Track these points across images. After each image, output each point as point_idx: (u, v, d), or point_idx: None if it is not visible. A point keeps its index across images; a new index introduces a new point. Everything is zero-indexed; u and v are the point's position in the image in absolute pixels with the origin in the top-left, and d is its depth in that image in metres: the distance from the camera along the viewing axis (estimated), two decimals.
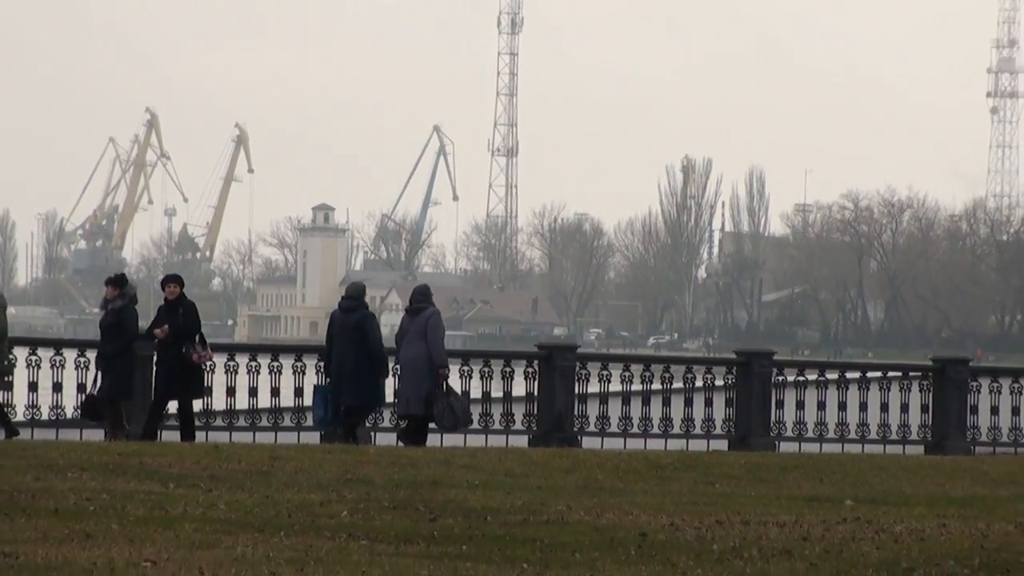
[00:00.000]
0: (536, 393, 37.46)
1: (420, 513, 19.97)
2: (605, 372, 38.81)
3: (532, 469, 27.55)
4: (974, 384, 40.48)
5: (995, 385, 41.16)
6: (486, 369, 38.65)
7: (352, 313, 34.61)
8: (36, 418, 34.26)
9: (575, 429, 36.93)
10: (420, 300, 35.13)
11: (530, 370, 37.84)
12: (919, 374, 41.04)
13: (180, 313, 32.69)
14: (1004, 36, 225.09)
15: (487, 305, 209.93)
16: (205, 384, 33.76)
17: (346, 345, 34.35)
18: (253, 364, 36.86)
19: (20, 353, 34.44)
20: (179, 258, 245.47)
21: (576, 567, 15.85)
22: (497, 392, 38.14)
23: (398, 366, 34.65)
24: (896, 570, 16.32)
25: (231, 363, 36.90)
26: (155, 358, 32.99)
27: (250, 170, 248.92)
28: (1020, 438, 40.07)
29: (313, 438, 35.10)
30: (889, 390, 40.38)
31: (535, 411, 37.26)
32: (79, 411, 33.33)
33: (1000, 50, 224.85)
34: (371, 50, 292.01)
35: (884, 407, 39.97)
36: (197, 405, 33.70)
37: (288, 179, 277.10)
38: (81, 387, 33.72)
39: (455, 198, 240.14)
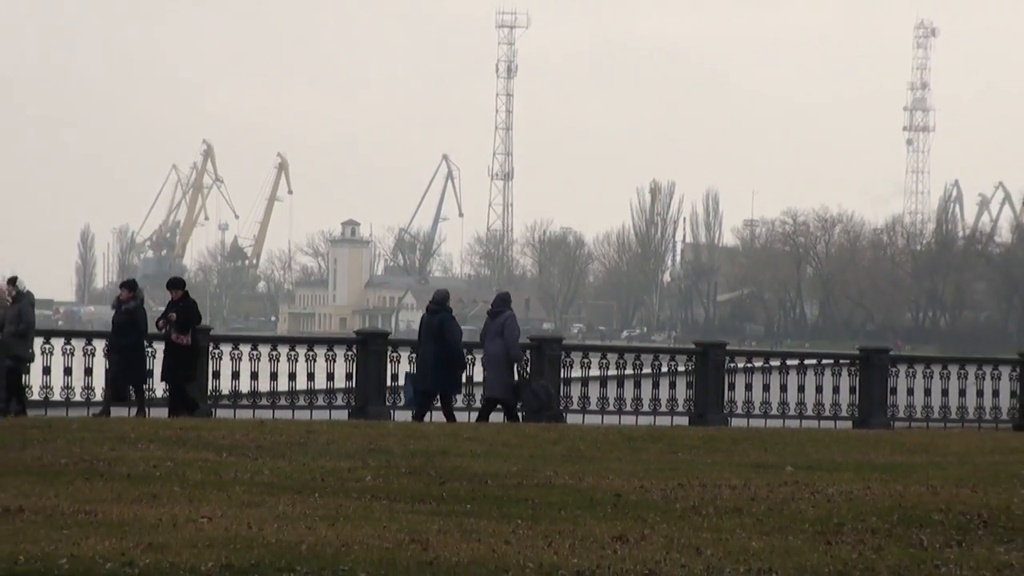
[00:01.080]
0: (528, 373, 37.40)
1: (431, 478, 19.93)
2: (586, 360, 38.86)
3: (525, 441, 27.47)
4: (893, 369, 40.46)
5: (911, 370, 41.14)
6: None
7: (435, 315, 34.70)
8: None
9: (560, 407, 36.86)
10: (500, 305, 35.63)
11: (524, 358, 37.80)
12: (847, 361, 41.02)
13: (181, 308, 32.79)
14: (917, 80, 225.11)
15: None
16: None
17: (429, 341, 34.49)
18: (292, 353, 36.81)
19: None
20: (230, 265, 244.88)
21: (562, 522, 15.82)
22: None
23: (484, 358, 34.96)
24: (828, 525, 16.28)
25: (274, 352, 36.93)
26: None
27: (289, 191, 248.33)
28: (931, 415, 40.02)
29: (341, 415, 35.10)
30: (823, 374, 40.33)
31: (528, 391, 37.16)
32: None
33: (914, 91, 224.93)
34: (390, 91, 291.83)
35: (819, 389, 39.93)
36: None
37: (321, 199, 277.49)
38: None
39: (460, 215, 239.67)
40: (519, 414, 34.74)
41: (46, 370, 33.98)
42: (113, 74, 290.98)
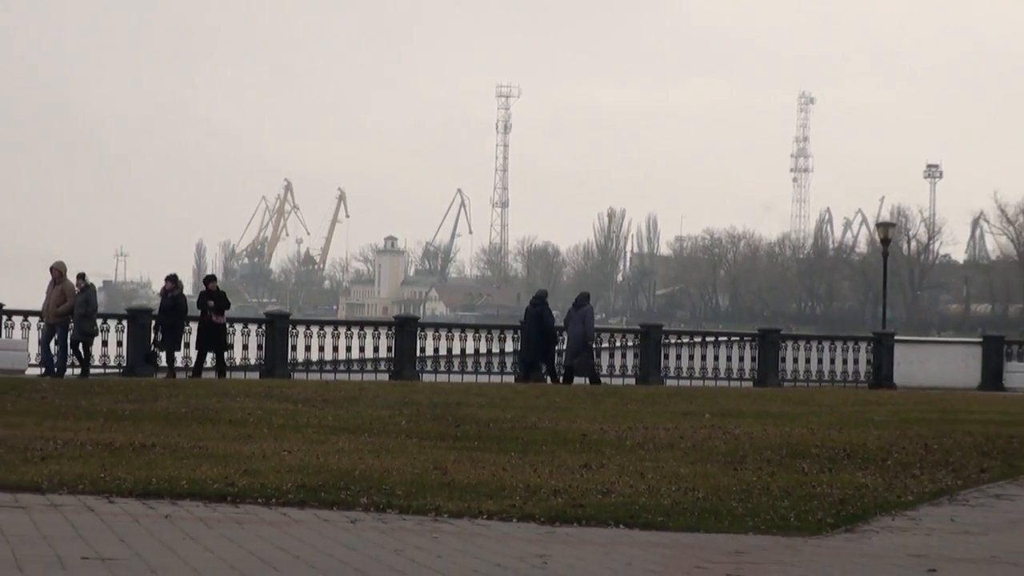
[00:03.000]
0: (519, 349, 37.39)
1: (449, 422, 19.96)
2: (561, 336, 38.78)
3: (516, 395, 27.49)
4: (783, 344, 40.58)
5: (795, 345, 41.26)
6: (490, 334, 38.72)
7: (537, 307, 35.18)
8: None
9: (542, 372, 36.84)
10: (582, 301, 36.00)
11: (516, 335, 37.83)
12: (750, 338, 41.11)
13: (216, 296, 32.55)
14: (800, 134, 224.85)
15: (490, 297, 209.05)
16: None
17: (532, 325, 34.85)
18: (348, 332, 36.82)
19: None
20: (304, 269, 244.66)
21: (543, 454, 15.84)
22: (496, 348, 38.21)
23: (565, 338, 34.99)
24: (735, 456, 16.30)
25: (336, 331, 36.96)
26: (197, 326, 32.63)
27: (347, 215, 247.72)
28: (810, 377, 40.09)
29: (383, 377, 35.10)
30: (731, 348, 40.41)
31: (519, 360, 37.17)
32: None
33: (798, 143, 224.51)
34: (419, 143, 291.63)
35: (729, 358, 39.99)
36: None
37: (370, 220, 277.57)
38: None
39: (470, 232, 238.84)
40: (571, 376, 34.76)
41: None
42: (223, 129, 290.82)
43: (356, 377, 34.71)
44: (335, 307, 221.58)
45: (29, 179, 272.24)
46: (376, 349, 36.56)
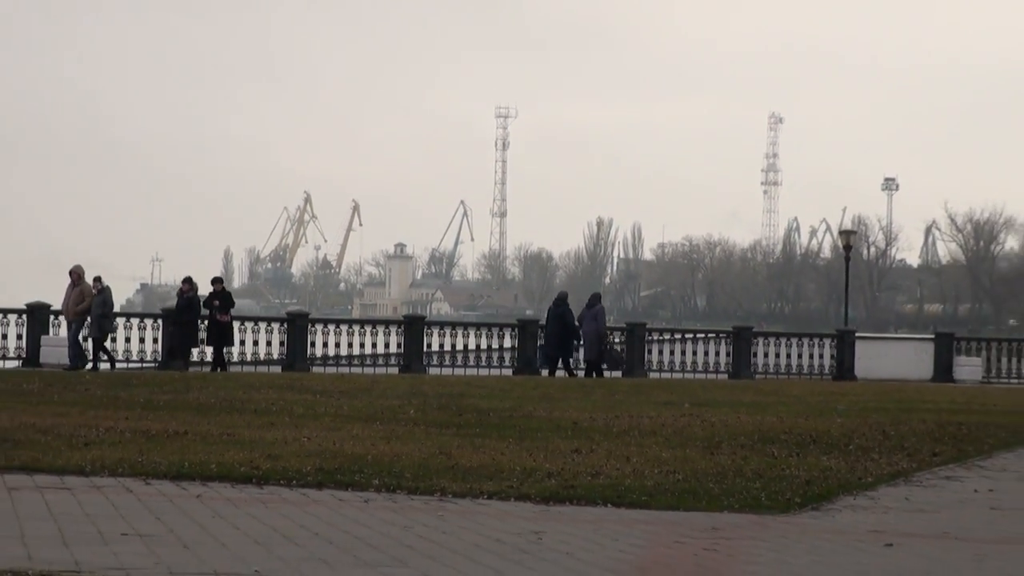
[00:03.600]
0: (516, 345, 37.41)
1: (453, 411, 19.96)
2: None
3: (514, 387, 27.53)
4: (755, 341, 40.54)
5: (766, 341, 41.25)
6: (490, 331, 38.71)
7: (559, 308, 35.25)
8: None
9: (539, 365, 36.84)
10: (594, 301, 36.28)
11: (513, 333, 37.83)
12: (725, 335, 41.07)
13: (221, 297, 32.28)
14: (770, 151, 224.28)
15: (490, 298, 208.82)
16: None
17: (554, 325, 34.98)
18: (361, 329, 36.88)
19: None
20: (322, 273, 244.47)
21: (538, 440, 15.84)
22: (496, 345, 38.20)
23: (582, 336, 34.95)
24: (712, 442, 16.30)
25: (350, 329, 37.00)
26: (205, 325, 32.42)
27: (360, 224, 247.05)
28: (780, 370, 40.07)
29: (394, 371, 35.11)
30: (708, 344, 40.38)
31: (516, 355, 37.21)
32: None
33: (768, 159, 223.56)
34: (426, 159, 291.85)
35: (706, 353, 39.96)
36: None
37: (381, 229, 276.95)
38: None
39: (472, 239, 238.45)
40: (603, 370, 35.07)
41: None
42: (248, 146, 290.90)
43: (369, 370, 34.70)
44: (350, 307, 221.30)
45: (75, 192, 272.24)
46: (387, 345, 36.53)
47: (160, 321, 33.78)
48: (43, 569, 7.40)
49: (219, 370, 31.48)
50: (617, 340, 39.05)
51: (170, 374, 28.66)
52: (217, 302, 32.27)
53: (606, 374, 35.46)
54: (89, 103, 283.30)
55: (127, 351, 33.44)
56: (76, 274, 31.35)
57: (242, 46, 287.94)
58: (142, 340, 33.72)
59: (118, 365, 31.95)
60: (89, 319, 30.91)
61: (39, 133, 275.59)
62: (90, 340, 31.21)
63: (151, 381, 25.22)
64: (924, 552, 9.49)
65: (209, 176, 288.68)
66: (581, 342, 35.35)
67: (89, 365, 30.98)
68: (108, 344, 32.00)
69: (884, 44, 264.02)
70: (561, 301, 35.96)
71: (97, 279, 31.41)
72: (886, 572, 8.57)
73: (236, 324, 33.97)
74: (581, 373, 34.99)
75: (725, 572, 8.34)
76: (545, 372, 35.35)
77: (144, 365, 33.11)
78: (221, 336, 32.32)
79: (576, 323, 35.29)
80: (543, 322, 36.71)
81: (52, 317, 32.79)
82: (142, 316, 34.17)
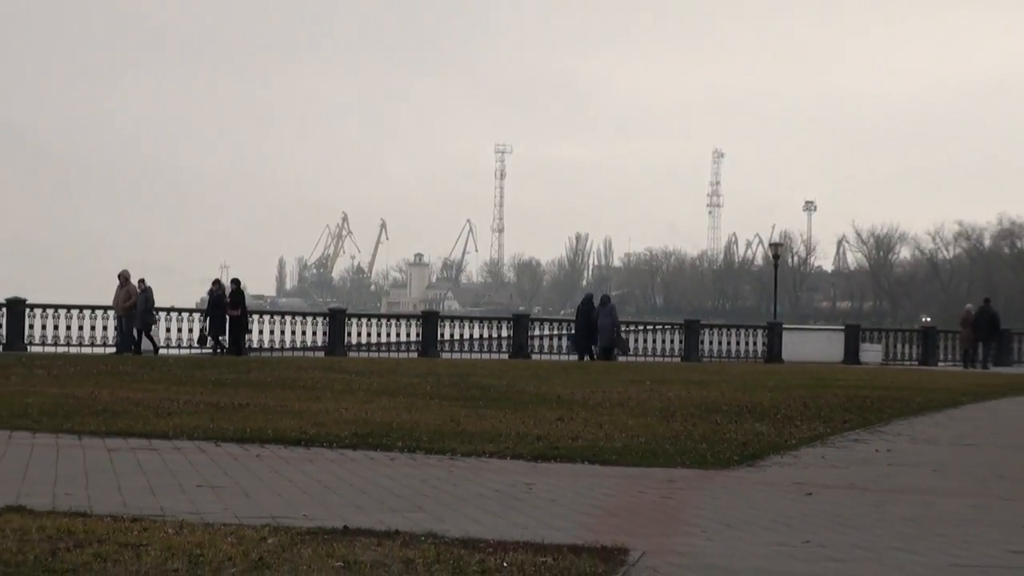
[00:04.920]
0: (511, 335, 37.39)
1: (461, 388, 19.94)
2: (542, 325, 38.89)
3: (510, 368, 27.50)
4: (702, 331, 40.52)
5: (712, 331, 41.23)
6: (491, 323, 38.70)
7: (585, 306, 35.20)
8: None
9: (529, 350, 36.83)
10: (606, 300, 36.25)
11: (509, 325, 37.82)
12: (678, 326, 41.06)
13: (232, 294, 31.67)
14: (714, 179, 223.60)
15: (490, 297, 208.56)
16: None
17: (582, 320, 34.73)
18: (387, 322, 36.88)
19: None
20: (356, 277, 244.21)
21: (529, 410, 15.82)
22: (495, 334, 38.18)
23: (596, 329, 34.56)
24: (668, 412, 16.25)
25: (379, 322, 36.99)
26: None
27: (387, 238, 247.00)
28: (723, 355, 40.06)
29: (413, 355, 35.08)
30: (665, 334, 40.37)
31: (511, 343, 37.18)
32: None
33: (712, 186, 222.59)
34: (436, 187, 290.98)
35: (663, 341, 39.97)
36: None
37: (403, 242, 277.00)
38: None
39: (476, 250, 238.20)
40: (616, 354, 34.84)
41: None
42: (298, 175, 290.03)
43: (394, 355, 34.68)
44: (378, 304, 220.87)
45: (161, 215, 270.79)
46: (408, 335, 36.54)
47: (194, 314, 33.58)
48: (135, 514, 7.40)
49: (237, 354, 30.67)
50: (624, 330, 39.07)
51: (235, 359, 28.59)
52: (228, 299, 31.71)
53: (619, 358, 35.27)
54: (159, 144, 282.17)
55: (167, 339, 32.96)
56: (124, 277, 30.91)
57: (286, 98, 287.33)
58: (179, 330, 33.33)
59: (161, 351, 31.48)
60: (135, 313, 30.42)
61: (139, 166, 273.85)
62: (140, 331, 30.68)
63: (220, 363, 25.16)
64: (836, 500, 9.51)
65: (267, 201, 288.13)
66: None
67: (150, 351, 30.61)
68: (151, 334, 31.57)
69: (803, 91, 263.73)
70: (587, 301, 35.94)
71: (141, 281, 31.07)
72: (805, 515, 8.59)
73: (287, 317, 33.91)
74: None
75: (678, 514, 8.35)
76: (575, 357, 34.90)
77: (181, 350, 32.76)
78: (233, 325, 31.71)
79: (593, 317, 35.21)
80: (573, 318, 36.26)
81: (102, 312, 32.14)
82: (179, 310, 33.90)
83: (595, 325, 34.73)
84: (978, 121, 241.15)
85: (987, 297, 43.37)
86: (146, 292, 30.80)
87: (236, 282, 32.85)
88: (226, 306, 31.62)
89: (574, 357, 35.36)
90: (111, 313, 31.74)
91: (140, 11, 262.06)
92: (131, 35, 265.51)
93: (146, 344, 30.99)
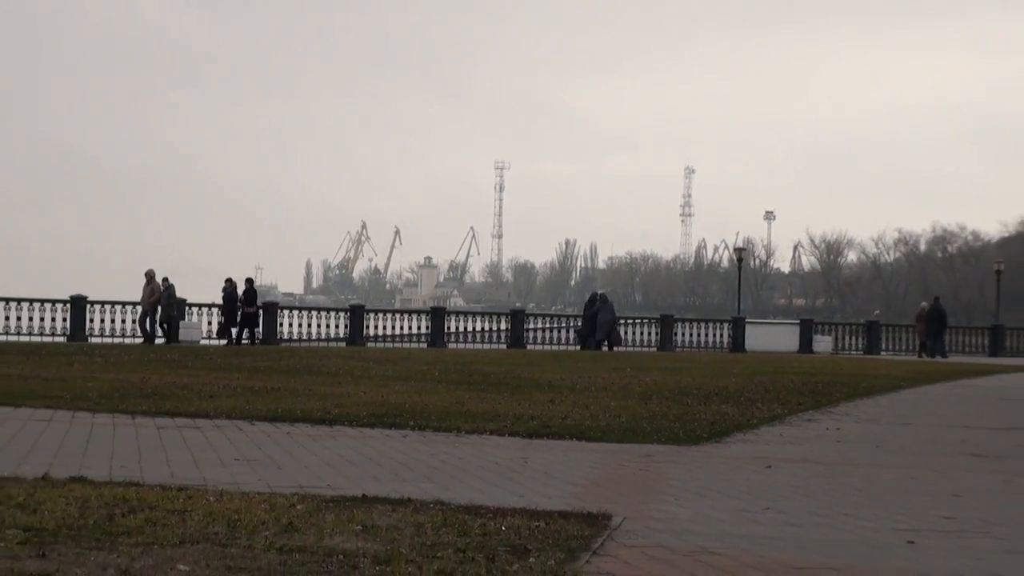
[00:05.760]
0: (509, 327, 37.36)
1: (465, 374, 19.90)
2: (537, 319, 38.83)
3: (508, 356, 27.47)
4: (676, 325, 40.49)
5: (684, 326, 41.19)
6: (492, 318, 38.64)
7: (591, 304, 35.22)
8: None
9: (525, 341, 36.77)
10: (604, 298, 36.17)
11: (507, 319, 37.78)
12: (655, 321, 41.03)
13: (246, 292, 31.38)
14: (686, 191, 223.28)
15: (491, 295, 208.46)
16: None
17: (588, 314, 34.76)
18: (401, 317, 36.88)
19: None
20: (373, 277, 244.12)
21: (524, 393, 15.81)
22: (494, 327, 38.12)
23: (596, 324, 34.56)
24: (646, 395, 16.25)
25: (393, 317, 36.98)
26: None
27: (400, 243, 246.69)
28: (694, 345, 40.05)
29: (423, 346, 35.06)
30: (643, 327, 40.35)
31: (508, 335, 37.15)
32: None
33: (684, 198, 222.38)
34: (442, 199, 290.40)
35: (642, 333, 39.94)
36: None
37: (415, 247, 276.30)
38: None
39: (478, 254, 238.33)
40: (612, 346, 34.74)
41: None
42: (321, 188, 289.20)
43: (406, 346, 34.67)
44: (393, 302, 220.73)
45: (202, 222, 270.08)
46: (419, 328, 36.55)
47: (212, 309, 33.40)
48: (181, 484, 7.40)
49: (232, 343, 30.23)
50: (621, 323, 38.97)
51: (267, 348, 28.55)
52: (242, 298, 31.36)
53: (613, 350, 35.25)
54: (212, 159, 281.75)
55: (208, 331, 32.71)
56: (149, 275, 30.81)
57: (314, 121, 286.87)
58: (208, 323, 33.15)
59: (199, 342, 31.32)
60: (160, 308, 30.24)
61: (185, 180, 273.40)
62: (162, 324, 30.43)
63: (255, 352, 25.15)
64: (792, 472, 9.51)
65: (296, 210, 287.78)
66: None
67: (163, 340, 30.30)
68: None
69: (765, 115, 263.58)
70: (592, 300, 36.05)
71: (165, 279, 30.91)
72: (766, 486, 8.59)
73: (314, 312, 33.92)
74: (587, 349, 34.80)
75: (655, 485, 8.35)
76: (579, 347, 34.87)
77: (201, 341, 32.51)
78: (245, 320, 31.40)
79: (594, 313, 35.21)
80: (579, 314, 36.53)
81: (131, 307, 31.86)
82: (200, 305, 33.73)
83: (595, 320, 34.84)
84: (916, 141, 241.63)
85: (937, 296, 43.40)
86: (169, 289, 30.64)
87: (250, 281, 32.43)
88: (239, 302, 31.15)
89: (568, 347, 35.41)
90: (138, 308, 31.56)
91: (187, 44, 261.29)
92: (179, 64, 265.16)
93: (158, 333, 30.52)
